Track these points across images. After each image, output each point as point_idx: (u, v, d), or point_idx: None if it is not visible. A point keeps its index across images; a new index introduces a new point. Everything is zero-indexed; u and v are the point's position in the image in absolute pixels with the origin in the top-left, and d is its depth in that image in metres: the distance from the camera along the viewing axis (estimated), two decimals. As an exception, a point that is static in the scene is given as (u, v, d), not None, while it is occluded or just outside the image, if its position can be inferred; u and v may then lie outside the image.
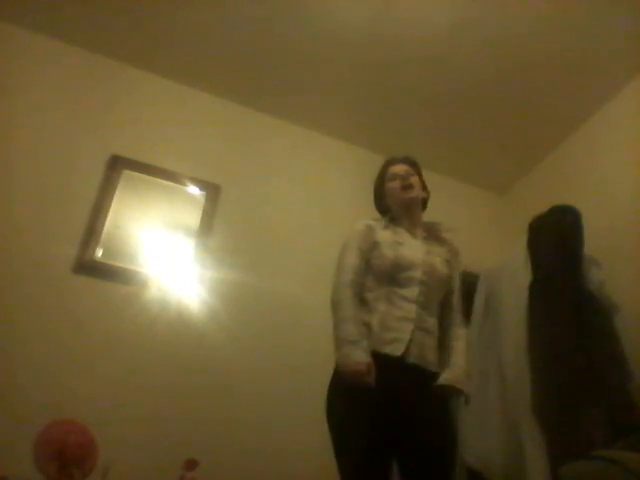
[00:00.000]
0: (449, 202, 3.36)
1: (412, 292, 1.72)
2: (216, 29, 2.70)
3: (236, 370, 2.47)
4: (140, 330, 2.37)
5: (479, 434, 2.31)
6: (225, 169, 2.94)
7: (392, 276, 1.75)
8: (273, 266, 2.78)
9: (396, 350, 1.63)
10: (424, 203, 2.01)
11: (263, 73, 2.93)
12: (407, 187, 1.91)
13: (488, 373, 2.39)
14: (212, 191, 2.82)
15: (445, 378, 1.65)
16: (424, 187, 2.01)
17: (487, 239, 3.35)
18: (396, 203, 1.94)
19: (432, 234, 1.92)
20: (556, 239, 2.31)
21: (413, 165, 2.00)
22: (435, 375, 1.68)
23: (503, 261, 2.74)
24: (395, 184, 1.93)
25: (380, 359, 1.60)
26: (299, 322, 2.68)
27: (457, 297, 1.89)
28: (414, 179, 1.94)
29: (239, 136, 3.08)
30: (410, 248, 1.81)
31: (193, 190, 2.81)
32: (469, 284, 2.76)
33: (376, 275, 1.77)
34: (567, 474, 1.56)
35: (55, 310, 2.32)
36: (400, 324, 1.67)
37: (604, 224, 2.46)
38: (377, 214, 2.02)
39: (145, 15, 2.67)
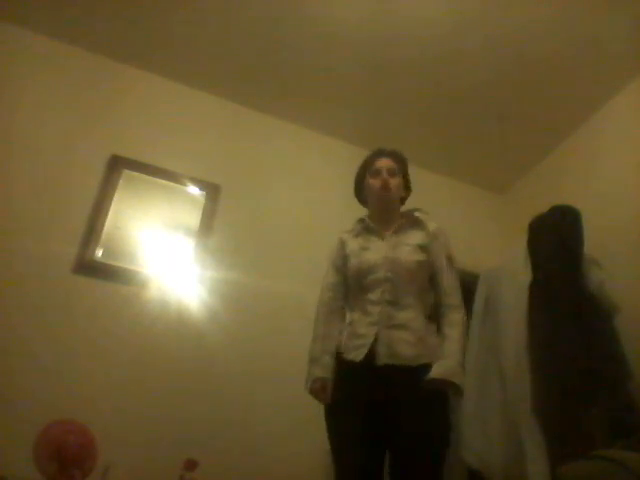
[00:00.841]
0: (449, 202, 3.37)
1: (377, 294, 1.73)
2: (216, 29, 2.70)
3: (236, 370, 2.47)
4: (140, 330, 2.37)
5: (479, 434, 2.31)
6: (225, 169, 2.94)
7: (360, 283, 1.78)
8: (273, 266, 2.78)
9: (358, 356, 1.66)
10: (402, 201, 1.98)
11: (263, 73, 2.93)
12: (385, 188, 1.87)
13: (488, 373, 2.39)
14: (212, 191, 2.82)
15: (437, 372, 1.58)
16: (407, 185, 1.98)
17: (487, 239, 3.35)
18: (372, 200, 1.94)
19: (408, 222, 1.88)
20: (556, 239, 2.31)
21: (400, 162, 1.95)
22: (419, 369, 1.61)
23: (503, 261, 2.74)
24: (375, 182, 1.89)
25: (349, 366, 1.67)
26: (299, 322, 2.67)
27: (446, 277, 1.79)
28: (394, 181, 1.89)
29: (239, 136, 3.08)
30: (374, 251, 1.81)
31: (193, 190, 2.81)
32: (469, 284, 2.77)
33: (351, 287, 1.83)
34: (567, 474, 1.56)
35: (55, 310, 2.32)
36: (366, 329, 1.70)
37: (604, 224, 2.46)
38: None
39: (145, 15, 2.67)
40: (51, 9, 2.67)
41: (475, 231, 3.34)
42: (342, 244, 1.90)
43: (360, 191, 2.01)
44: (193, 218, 2.73)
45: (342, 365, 1.71)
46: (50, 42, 2.81)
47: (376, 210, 1.94)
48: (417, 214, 1.91)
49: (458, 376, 1.59)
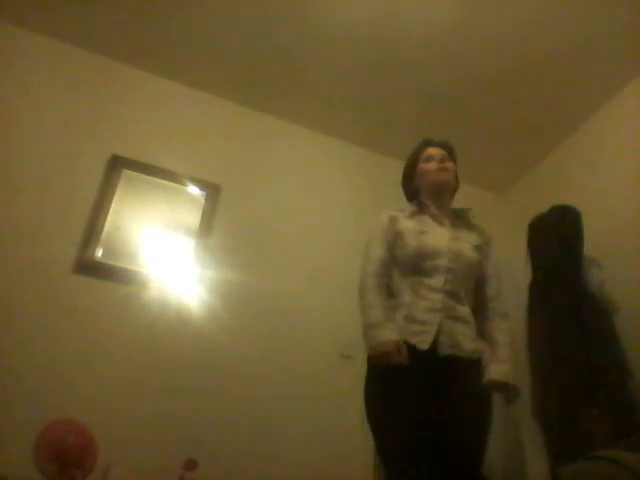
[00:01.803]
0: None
1: (438, 281, 1.66)
2: (216, 29, 2.70)
3: (236, 370, 2.47)
4: (140, 330, 2.37)
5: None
6: (225, 169, 2.94)
7: (416, 266, 1.70)
8: (273, 266, 2.78)
9: (423, 343, 1.58)
10: (453, 192, 1.95)
11: (263, 73, 2.93)
12: (442, 170, 1.83)
13: (488, 373, 2.39)
14: (212, 191, 2.82)
15: (498, 373, 1.58)
16: (456, 177, 1.94)
17: (487, 239, 3.35)
18: (427, 184, 1.87)
19: (461, 220, 1.86)
20: (556, 239, 2.31)
21: (450, 151, 1.93)
22: (476, 363, 1.62)
23: (503, 261, 2.74)
24: (430, 165, 1.86)
25: (409, 350, 1.57)
26: (299, 322, 2.68)
27: (494, 284, 1.79)
28: (450, 164, 1.87)
29: (239, 136, 3.08)
30: (435, 236, 1.74)
31: (193, 190, 2.81)
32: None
33: (401, 266, 1.74)
34: (567, 474, 1.56)
35: (55, 310, 2.32)
36: (427, 315, 1.62)
37: (604, 224, 2.46)
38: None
39: (145, 15, 2.67)
40: (51, 9, 2.67)
41: (475, 231, 3.33)
42: (394, 220, 1.80)
43: (409, 180, 1.94)
44: (193, 218, 2.73)
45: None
46: (50, 42, 2.81)
47: (431, 196, 1.85)
48: (471, 215, 1.89)
49: (514, 381, 1.61)
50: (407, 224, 1.78)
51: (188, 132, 2.95)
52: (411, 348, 1.58)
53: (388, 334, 1.57)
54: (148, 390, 2.30)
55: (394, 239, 1.77)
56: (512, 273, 2.47)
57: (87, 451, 1.81)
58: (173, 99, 3.01)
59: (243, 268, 2.68)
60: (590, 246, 2.28)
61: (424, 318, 1.62)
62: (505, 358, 1.63)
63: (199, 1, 2.58)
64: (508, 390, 1.61)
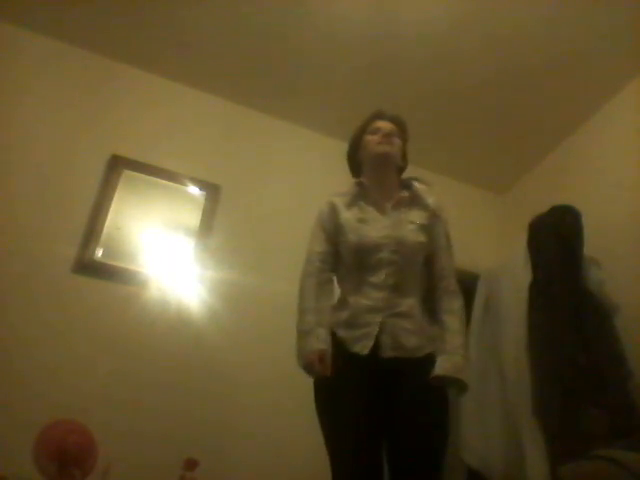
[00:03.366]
0: (449, 202, 3.35)
1: (379, 277, 1.59)
2: (216, 29, 2.70)
3: (236, 370, 2.47)
4: (140, 330, 2.37)
5: (479, 434, 2.31)
6: (225, 169, 2.94)
7: (359, 262, 1.63)
8: (273, 266, 2.78)
9: (364, 349, 1.52)
10: (400, 171, 1.84)
11: (263, 73, 2.93)
12: (385, 143, 1.74)
13: (488, 373, 2.39)
14: (212, 191, 2.82)
15: (444, 368, 1.49)
16: (404, 156, 1.85)
17: (487, 239, 3.35)
18: (369, 158, 1.78)
19: (406, 194, 1.73)
20: (556, 239, 2.31)
21: (401, 127, 1.85)
22: (423, 359, 1.53)
23: (503, 261, 2.74)
24: (374, 137, 1.76)
25: (351, 358, 1.53)
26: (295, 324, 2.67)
27: (444, 261, 1.68)
28: (396, 140, 1.77)
29: (239, 136, 3.08)
30: (375, 226, 1.65)
31: (193, 190, 2.81)
32: (469, 284, 2.77)
33: (345, 263, 1.68)
34: (567, 474, 1.56)
35: (55, 310, 2.32)
36: (368, 317, 1.56)
37: (604, 224, 2.46)
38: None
39: (145, 15, 2.67)
40: (51, 9, 2.67)
41: (475, 231, 3.34)
42: (333, 209, 1.73)
43: (355, 152, 1.86)
44: (193, 218, 2.73)
45: (341, 352, 1.55)
46: (50, 42, 2.81)
47: (373, 171, 1.77)
48: (416, 184, 1.76)
49: (464, 372, 1.51)
50: (347, 215, 1.70)
51: (188, 132, 2.95)
52: (354, 355, 1.53)
53: (313, 344, 1.52)
54: (148, 390, 2.30)
55: (335, 231, 1.70)
56: (512, 273, 2.48)
57: (87, 451, 1.81)
58: (173, 99, 3.01)
59: (243, 268, 2.68)
60: (590, 246, 2.28)
61: (365, 320, 1.56)
62: (453, 348, 1.53)
63: (199, 1, 2.58)
64: (454, 384, 1.52)
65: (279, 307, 2.66)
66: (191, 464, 1.96)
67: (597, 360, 2.04)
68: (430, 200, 1.74)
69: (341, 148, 3.26)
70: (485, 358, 2.44)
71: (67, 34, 2.80)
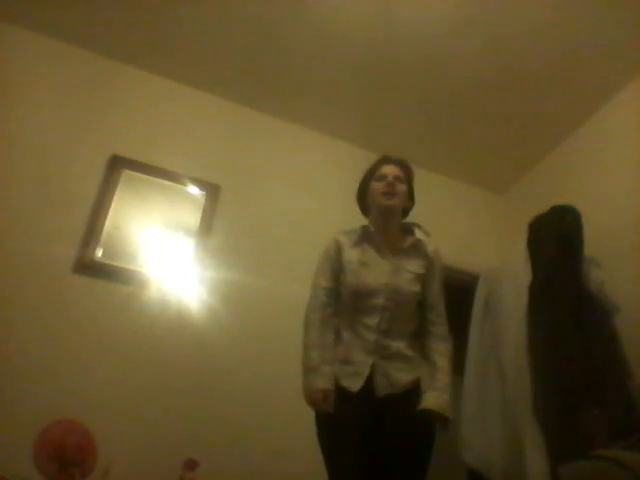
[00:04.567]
0: (449, 202, 3.37)
1: (374, 320, 1.69)
2: (216, 29, 2.70)
3: (236, 370, 2.47)
4: (140, 330, 2.37)
5: (479, 434, 2.31)
6: (225, 169, 2.94)
7: (355, 304, 1.73)
8: (273, 266, 2.78)
9: (353, 386, 1.63)
10: (405, 212, 1.92)
11: (263, 73, 2.93)
12: (389, 193, 1.81)
13: (488, 373, 2.39)
14: (212, 191, 2.82)
15: (433, 403, 1.61)
16: (411, 196, 1.92)
17: (487, 239, 3.35)
18: (375, 207, 1.86)
19: (407, 240, 1.83)
20: (556, 239, 2.31)
21: (406, 170, 1.91)
22: (412, 392, 1.65)
23: (503, 261, 2.74)
24: (379, 186, 1.83)
25: (342, 391, 1.64)
26: (299, 322, 2.67)
27: (436, 309, 1.79)
28: (401, 187, 1.84)
29: (239, 136, 3.08)
30: (374, 271, 1.74)
31: (193, 190, 2.81)
32: (469, 284, 2.77)
33: (343, 301, 1.78)
34: (567, 474, 1.56)
35: (55, 310, 2.32)
36: (361, 357, 1.67)
37: (604, 224, 2.46)
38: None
39: (145, 15, 2.67)
40: (51, 9, 2.67)
41: (475, 231, 3.34)
42: (339, 248, 1.82)
43: (363, 196, 1.94)
44: (193, 218, 2.73)
45: (337, 389, 1.66)
46: (50, 42, 2.81)
47: (378, 217, 1.85)
48: (418, 233, 1.85)
49: (449, 410, 1.62)
50: (350, 256, 1.79)
51: (188, 132, 2.95)
52: (344, 390, 1.64)
53: (319, 382, 1.63)
54: (148, 390, 2.30)
55: (339, 270, 1.79)
56: (512, 273, 2.47)
57: (87, 451, 1.81)
58: (173, 99, 3.01)
59: (243, 268, 2.68)
60: (590, 246, 2.28)
61: (358, 359, 1.67)
62: (442, 386, 1.65)
63: (199, 1, 2.58)
64: (441, 420, 1.62)
65: (279, 307, 2.67)
66: (191, 464, 1.96)
67: (597, 360, 2.04)
68: (429, 249, 1.83)
69: (341, 148, 3.29)
70: (485, 358, 2.44)
71: (67, 34, 2.80)
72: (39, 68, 2.76)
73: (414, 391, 1.66)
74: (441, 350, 1.73)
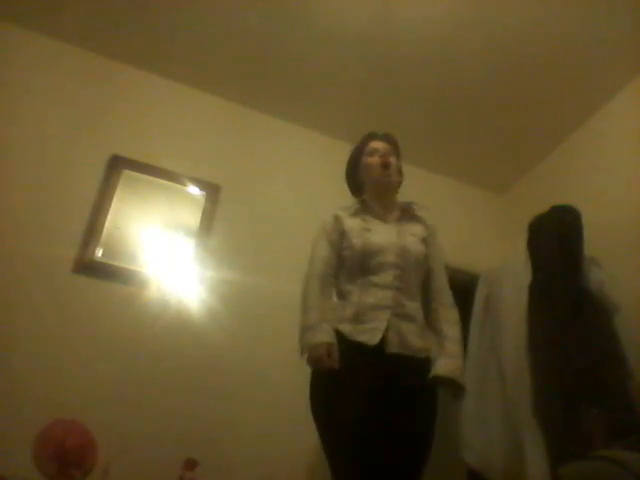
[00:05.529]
0: (449, 202, 3.37)
1: (386, 278, 1.65)
2: (216, 29, 2.70)
3: (236, 370, 2.47)
4: (140, 330, 2.38)
5: (479, 434, 2.31)
6: (225, 169, 2.94)
7: (363, 265, 1.68)
8: (273, 266, 2.78)
9: (372, 339, 1.57)
10: (398, 185, 1.94)
11: (263, 73, 2.93)
12: (387, 166, 1.83)
13: (488, 373, 2.39)
14: (212, 191, 2.82)
15: (444, 369, 1.57)
16: (400, 170, 1.94)
17: (487, 239, 3.35)
18: (371, 184, 1.86)
19: (406, 213, 1.84)
20: (556, 239, 2.31)
21: (394, 145, 1.93)
22: (423, 361, 1.61)
23: (503, 261, 2.74)
24: (374, 159, 1.85)
25: (356, 348, 1.57)
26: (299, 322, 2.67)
27: (440, 277, 1.77)
28: (393, 160, 1.86)
29: (239, 136, 3.08)
30: (379, 233, 1.73)
31: (193, 190, 2.81)
32: (469, 284, 2.77)
33: (348, 267, 1.74)
34: (567, 474, 1.56)
35: (55, 310, 2.32)
36: (375, 313, 1.61)
37: (604, 224, 2.46)
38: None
39: (145, 15, 2.67)
40: (51, 9, 2.67)
41: (475, 231, 3.34)
42: (338, 219, 1.80)
43: (354, 174, 1.95)
44: (193, 218, 2.73)
45: (347, 346, 1.58)
46: (50, 42, 2.81)
47: (375, 193, 1.85)
48: (415, 207, 1.86)
49: (462, 377, 1.59)
50: (351, 223, 1.77)
51: (188, 132, 2.95)
52: (358, 346, 1.58)
53: (320, 337, 1.56)
54: (148, 390, 2.30)
55: (339, 239, 1.76)
56: (512, 273, 2.47)
57: (87, 451, 1.81)
58: (173, 99, 3.01)
59: (243, 268, 2.68)
60: (590, 246, 2.28)
61: (372, 315, 1.61)
62: (453, 353, 1.61)
63: (199, 1, 2.58)
64: (454, 386, 1.59)
65: (279, 307, 2.66)
66: (191, 464, 1.96)
67: (597, 360, 2.04)
68: (429, 220, 1.86)
69: (341, 148, 3.27)
70: (485, 358, 2.44)
71: (67, 34, 2.80)
72: (39, 68, 2.76)
73: (425, 360, 1.62)
74: (449, 318, 1.69)
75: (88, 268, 2.45)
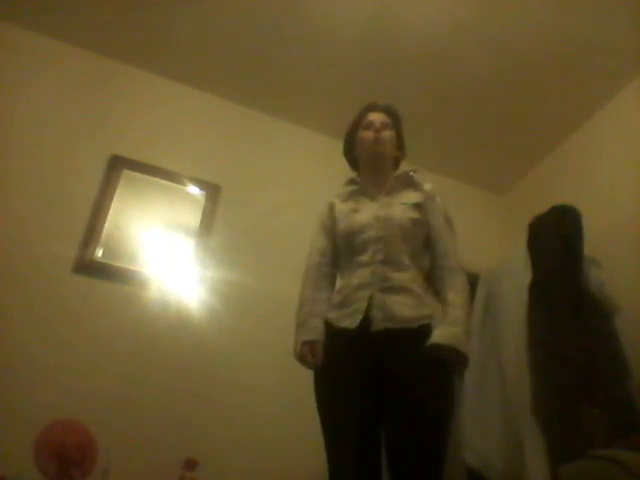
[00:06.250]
0: (449, 202, 3.36)
1: (367, 255, 1.59)
2: (216, 29, 2.70)
3: (236, 370, 2.47)
4: (140, 330, 2.37)
5: (479, 434, 2.31)
6: (225, 169, 2.94)
7: (349, 246, 1.65)
8: (273, 266, 2.78)
9: (352, 323, 1.51)
10: (396, 162, 1.87)
11: (263, 73, 2.93)
12: (378, 140, 1.76)
13: (488, 373, 2.39)
14: (212, 191, 2.82)
15: (441, 337, 1.41)
16: (400, 145, 1.86)
17: (487, 239, 3.35)
18: (363, 156, 1.82)
19: (400, 182, 1.76)
20: (556, 239, 2.31)
21: (394, 117, 1.86)
22: (419, 330, 1.46)
23: (503, 261, 2.74)
24: (367, 134, 1.79)
25: (339, 334, 1.54)
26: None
27: (443, 240, 1.65)
28: (388, 133, 1.79)
29: (239, 136, 3.08)
30: (365, 211, 1.68)
31: (193, 190, 2.81)
32: (469, 284, 2.77)
33: (341, 252, 1.71)
34: (567, 474, 1.56)
35: (55, 310, 2.32)
36: (357, 294, 1.55)
37: (604, 224, 2.46)
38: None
39: (145, 15, 2.67)
40: (51, 9, 2.67)
41: (475, 231, 3.33)
42: (331, 207, 1.79)
43: (350, 147, 1.89)
44: (193, 218, 2.73)
45: (333, 334, 1.56)
46: (50, 42, 2.81)
47: (367, 168, 1.81)
48: (412, 174, 1.78)
49: (464, 344, 1.43)
50: (341, 207, 1.75)
51: (188, 132, 2.95)
52: (343, 332, 1.53)
53: (304, 335, 1.57)
54: (148, 390, 2.30)
55: (332, 227, 1.74)
56: (512, 273, 2.47)
57: (87, 451, 1.81)
58: (173, 99, 3.01)
59: (243, 268, 2.68)
60: (590, 246, 2.28)
61: (354, 297, 1.55)
62: (454, 320, 1.46)
63: (199, 1, 2.58)
64: (454, 356, 1.42)
65: (279, 307, 2.66)
66: (191, 464, 1.96)
67: (597, 360, 2.04)
68: (426, 186, 1.76)
69: (341, 147, 3.28)
70: (485, 358, 2.43)
71: (67, 34, 2.80)
72: (39, 68, 2.76)
73: (420, 331, 1.46)
74: (453, 283, 1.56)
75: (88, 268, 2.45)
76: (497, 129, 3.11)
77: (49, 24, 2.75)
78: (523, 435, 2.07)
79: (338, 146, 3.26)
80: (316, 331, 1.58)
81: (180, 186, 2.78)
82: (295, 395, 2.48)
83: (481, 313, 2.60)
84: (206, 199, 2.80)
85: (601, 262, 2.32)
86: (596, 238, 2.32)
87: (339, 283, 1.69)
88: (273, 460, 2.35)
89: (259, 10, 2.58)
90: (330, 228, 1.75)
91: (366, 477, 1.43)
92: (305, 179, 3.11)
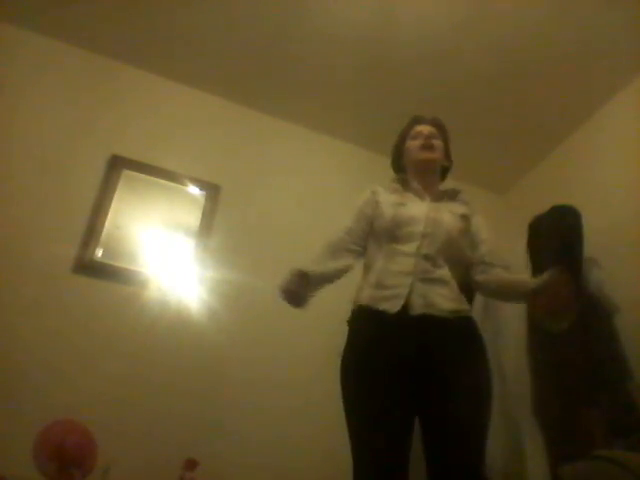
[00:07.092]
0: (449, 202, 3.36)
1: (412, 246, 1.58)
2: (216, 29, 2.70)
3: (236, 370, 2.47)
4: (140, 330, 2.37)
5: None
6: (225, 169, 2.94)
7: (392, 233, 1.63)
8: (273, 266, 2.75)
9: (393, 307, 1.48)
10: (444, 172, 1.88)
11: (263, 73, 2.93)
12: (427, 147, 1.78)
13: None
14: (212, 191, 2.82)
15: (532, 281, 1.47)
16: (448, 155, 1.88)
17: (487, 239, 3.35)
18: (412, 163, 1.82)
19: (447, 195, 1.78)
20: (556, 239, 2.31)
21: (440, 128, 1.89)
22: (456, 321, 1.49)
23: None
24: (415, 142, 1.81)
25: (378, 316, 1.49)
26: (299, 322, 2.67)
27: (489, 244, 1.67)
28: (437, 142, 1.82)
29: (239, 136, 3.08)
30: (413, 207, 1.67)
31: (193, 190, 2.81)
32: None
33: (376, 236, 1.68)
34: (567, 474, 1.56)
35: (55, 310, 2.32)
36: (397, 279, 1.53)
37: (604, 224, 2.46)
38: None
39: (145, 15, 2.67)
40: (51, 9, 2.66)
41: (475, 231, 3.33)
42: (374, 193, 1.76)
43: (398, 158, 1.90)
44: (193, 218, 2.73)
45: (369, 317, 1.52)
46: (50, 42, 2.81)
47: (416, 174, 1.79)
48: (460, 193, 1.81)
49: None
50: (387, 197, 1.73)
51: (188, 132, 2.95)
52: (381, 315, 1.49)
53: (298, 268, 1.56)
54: (148, 390, 2.30)
55: (372, 212, 1.72)
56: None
57: (87, 451, 1.81)
58: (173, 99, 3.01)
59: (243, 268, 2.68)
60: (590, 246, 2.28)
61: (394, 282, 1.53)
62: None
63: (199, 1, 2.58)
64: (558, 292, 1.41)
65: (279, 307, 2.66)
66: (191, 464, 1.96)
67: (597, 360, 2.04)
68: (472, 204, 1.79)
69: (342, 148, 3.29)
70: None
71: (67, 34, 2.80)
72: (39, 68, 2.76)
73: (461, 323, 1.50)
74: (504, 271, 1.61)
75: (88, 268, 2.45)
76: (497, 129, 3.10)
77: (49, 24, 2.75)
78: (523, 435, 2.07)
79: (338, 146, 3.29)
80: (312, 273, 1.57)
81: (180, 186, 2.78)
82: (295, 395, 2.49)
83: (481, 313, 2.60)
84: (206, 199, 2.79)
85: (601, 262, 2.32)
86: (596, 238, 2.31)
87: (374, 266, 1.64)
88: (273, 460, 2.35)
89: (259, 10, 2.58)
90: (369, 212, 1.73)
91: (397, 475, 1.37)
92: (305, 179, 3.11)
